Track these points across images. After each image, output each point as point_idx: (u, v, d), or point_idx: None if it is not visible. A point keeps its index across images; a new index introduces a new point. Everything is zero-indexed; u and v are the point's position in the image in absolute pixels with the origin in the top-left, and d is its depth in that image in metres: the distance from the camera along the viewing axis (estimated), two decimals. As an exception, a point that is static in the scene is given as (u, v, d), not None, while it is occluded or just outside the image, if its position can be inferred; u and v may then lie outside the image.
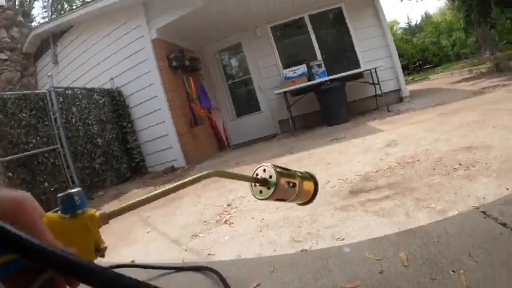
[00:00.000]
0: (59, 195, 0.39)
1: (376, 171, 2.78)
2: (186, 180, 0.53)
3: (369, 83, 6.02)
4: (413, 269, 1.22)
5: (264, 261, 1.62)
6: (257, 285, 1.37)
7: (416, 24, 45.04)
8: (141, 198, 0.47)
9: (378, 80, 5.84)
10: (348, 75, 5.82)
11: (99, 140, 5.10)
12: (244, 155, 5.62)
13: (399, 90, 6.33)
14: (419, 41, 35.23)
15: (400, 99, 6.26)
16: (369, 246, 1.48)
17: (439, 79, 9.04)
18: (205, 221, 2.67)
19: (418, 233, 1.45)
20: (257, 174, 0.65)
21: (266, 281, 1.39)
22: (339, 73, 5.87)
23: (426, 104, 5.46)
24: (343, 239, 1.85)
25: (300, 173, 0.72)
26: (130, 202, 0.46)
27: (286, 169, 0.68)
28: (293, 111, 6.30)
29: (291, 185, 0.66)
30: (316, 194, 0.75)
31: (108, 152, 5.21)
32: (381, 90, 5.87)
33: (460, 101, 4.82)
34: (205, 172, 0.56)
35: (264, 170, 0.64)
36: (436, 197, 1.94)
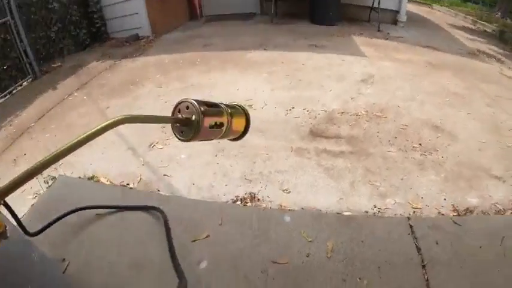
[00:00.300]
0: None
1: (343, 113, 2.78)
2: (94, 129, 0.48)
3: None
4: (332, 264, 1.38)
5: (215, 208, 1.69)
6: (206, 237, 1.45)
7: None
8: (39, 162, 0.46)
9: (380, -8, 5.11)
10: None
11: (55, 4, 4.34)
12: (215, 35, 5.08)
13: (397, 12, 5.63)
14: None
15: (395, 22, 5.67)
16: (307, 222, 1.59)
17: (441, 13, 8.26)
18: (163, 127, 2.54)
19: (352, 224, 1.58)
20: (179, 110, 0.57)
21: (214, 233, 1.48)
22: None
23: (419, 39, 5.07)
24: (289, 192, 1.96)
25: (231, 108, 0.66)
26: (27, 171, 0.44)
27: (214, 105, 0.62)
28: (279, -7, 5.48)
29: (218, 124, 0.61)
30: (247, 131, 0.72)
31: (65, 18, 4.53)
32: (378, 4, 5.21)
33: (453, 55, 4.54)
34: (117, 118, 0.49)
35: (187, 107, 0.56)
36: (384, 175, 2.05)
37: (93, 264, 1.42)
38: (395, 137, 2.45)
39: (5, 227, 0.45)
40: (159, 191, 2.05)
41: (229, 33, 5.10)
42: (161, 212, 1.53)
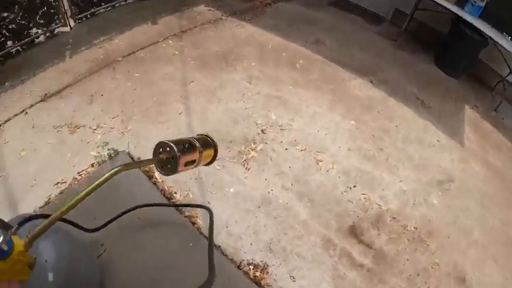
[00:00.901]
0: None
1: (393, 219, 2.70)
2: (97, 182, 0.62)
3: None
4: None
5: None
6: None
7: None
8: (60, 211, 0.56)
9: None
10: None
11: None
12: (332, 29, 4.52)
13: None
14: None
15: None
16: None
17: None
18: (229, 147, 2.66)
19: None
20: (161, 149, 0.72)
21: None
22: None
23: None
24: (294, 280, 2.08)
25: (201, 142, 0.81)
26: (51, 218, 0.55)
27: (189, 144, 0.76)
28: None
29: (191, 161, 0.77)
30: (215, 159, 0.91)
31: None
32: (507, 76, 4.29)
33: None
34: (115, 170, 0.64)
35: (168, 149, 0.71)
36: None
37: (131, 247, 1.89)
38: (418, 274, 2.38)
39: (35, 258, 0.53)
40: (196, 216, 2.27)
41: (346, 35, 4.53)
42: (209, 210, 1.86)
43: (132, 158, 2.57)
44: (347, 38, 4.28)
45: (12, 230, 1.06)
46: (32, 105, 2.98)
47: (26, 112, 2.94)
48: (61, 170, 2.55)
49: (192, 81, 3.16)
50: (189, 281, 1.63)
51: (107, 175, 0.61)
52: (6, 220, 0.90)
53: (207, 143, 0.84)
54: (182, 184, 2.45)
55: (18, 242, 0.48)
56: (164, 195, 2.37)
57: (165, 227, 2.14)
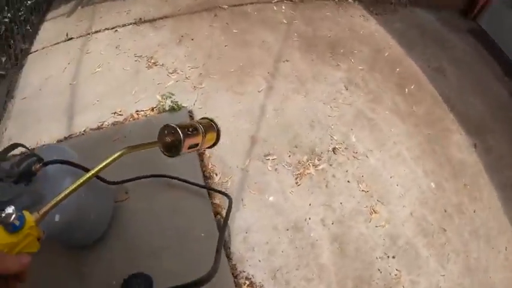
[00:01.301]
0: (1, 219, 0.46)
1: None
2: (104, 163, 0.64)
3: None
4: None
5: None
6: None
7: None
8: (67, 190, 0.59)
9: None
10: None
11: None
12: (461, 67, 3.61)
13: None
14: None
15: None
16: None
17: None
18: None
19: None
20: (166, 132, 0.71)
21: None
22: None
23: None
24: None
25: (205, 125, 0.82)
26: (58, 196, 0.57)
27: (193, 128, 0.77)
28: None
29: (195, 144, 0.77)
30: (218, 141, 0.90)
31: None
32: None
33: None
34: (120, 152, 0.67)
35: (172, 131, 0.71)
36: None
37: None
38: None
39: (44, 232, 0.53)
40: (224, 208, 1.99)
41: (472, 77, 3.34)
42: (230, 199, 1.82)
43: (191, 117, 2.32)
44: (472, 80, 3.41)
45: (37, 167, 1.11)
46: (124, 25, 2.87)
47: (116, 30, 2.85)
48: (123, 100, 2.41)
49: (287, 61, 2.74)
50: (189, 267, 1.62)
51: (114, 156, 0.65)
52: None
53: (210, 127, 0.86)
54: (227, 169, 2.15)
55: (29, 218, 0.49)
56: (204, 171, 2.11)
57: (189, 202, 1.94)
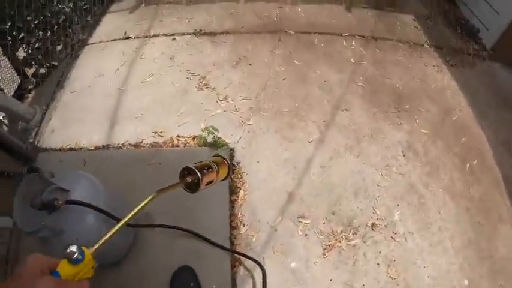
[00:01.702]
0: (66, 254, 0.57)
1: None
2: (139, 207, 0.73)
3: None
4: None
5: None
6: None
7: None
8: (115, 228, 0.68)
9: None
10: None
11: None
12: None
13: None
14: None
15: None
16: None
17: None
18: None
19: None
20: (185, 173, 0.82)
21: None
22: None
23: None
24: None
25: (217, 163, 0.92)
26: (110, 232, 0.67)
27: (208, 167, 0.87)
28: None
29: (211, 181, 0.87)
30: (229, 175, 1.00)
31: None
32: None
33: None
34: (151, 196, 0.76)
35: (191, 172, 0.81)
36: None
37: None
38: None
39: (97, 263, 0.64)
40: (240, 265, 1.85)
41: None
42: (263, 270, 1.77)
43: (232, 157, 2.17)
44: None
45: (60, 203, 1.15)
46: (183, 34, 2.74)
47: (175, 38, 2.72)
48: (167, 121, 2.31)
49: (346, 110, 2.49)
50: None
51: (146, 201, 0.74)
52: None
53: (222, 163, 0.96)
54: (256, 222, 2.00)
55: (87, 252, 0.60)
56: (231, 220, 1.99)
57: (208, 252, 1.86)
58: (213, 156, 1.01)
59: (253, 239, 1.97)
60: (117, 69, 2.57)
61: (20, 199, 1.16)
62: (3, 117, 2.17)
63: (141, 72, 2.54)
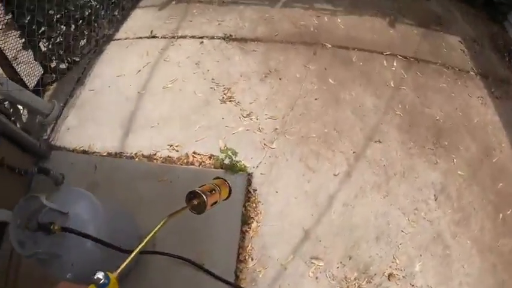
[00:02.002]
0: (93, 281, 0.69)
1: None
2: (153, 232, 0.82)
3: None
4: None
5: None
6: None
7: None
8: (134, 253, 0.78)
9: None
10: None
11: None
12: None
13: None
14: None
15: None
16: None
17: None
18: None
19: None
20: (192, 196, 0.91)
21: None
22: None
23: None
24: None
25: (219, 185, 1.03)
26: (129, 257, 0.76)
27: (212, 189, 0.97)
28: None
29: (215, 202, 0.96)
30: (230, 195, 1.09)
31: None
32: None
33: None
34: (166, 219, 0.86)
35: (197, 195, 0.90)
36: None
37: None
38: None
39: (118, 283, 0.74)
40: None
41: None
42: None
43: (249, 183, 2.02)
44: None
45: (56, 228, 1.12)
46: (212, 38, 2.56)
47: (202, 42, 2.55)
48: (184, 134, 2.17)
49: (380, 142, 2.27)
50: None
51: (159, 226, 0.83)
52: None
53: (223, 184, 1.06)
54: (265, 258, 1.86)
55: (112, 276, 0.71)
56: (240, 252, 1.86)
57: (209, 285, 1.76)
58: (214, 179, 1.09)
59: (260, 275, 1.83)
60: (139, 71, 2.44)
61: (16, 220, 1.12)
62: (21, 110, 2.10)
63: (164, 77, 2.40)
